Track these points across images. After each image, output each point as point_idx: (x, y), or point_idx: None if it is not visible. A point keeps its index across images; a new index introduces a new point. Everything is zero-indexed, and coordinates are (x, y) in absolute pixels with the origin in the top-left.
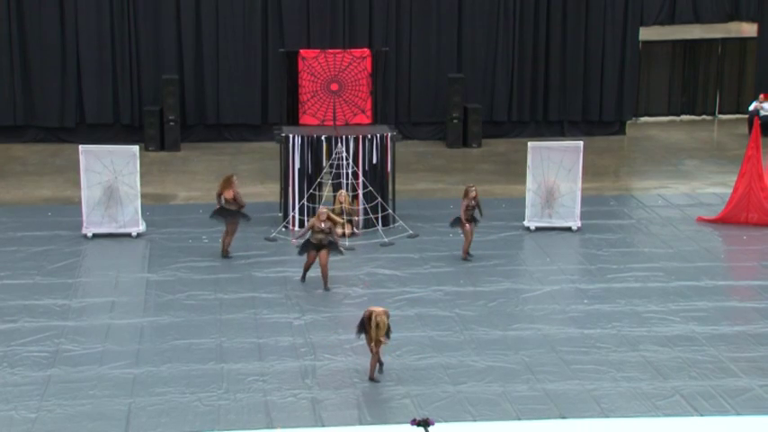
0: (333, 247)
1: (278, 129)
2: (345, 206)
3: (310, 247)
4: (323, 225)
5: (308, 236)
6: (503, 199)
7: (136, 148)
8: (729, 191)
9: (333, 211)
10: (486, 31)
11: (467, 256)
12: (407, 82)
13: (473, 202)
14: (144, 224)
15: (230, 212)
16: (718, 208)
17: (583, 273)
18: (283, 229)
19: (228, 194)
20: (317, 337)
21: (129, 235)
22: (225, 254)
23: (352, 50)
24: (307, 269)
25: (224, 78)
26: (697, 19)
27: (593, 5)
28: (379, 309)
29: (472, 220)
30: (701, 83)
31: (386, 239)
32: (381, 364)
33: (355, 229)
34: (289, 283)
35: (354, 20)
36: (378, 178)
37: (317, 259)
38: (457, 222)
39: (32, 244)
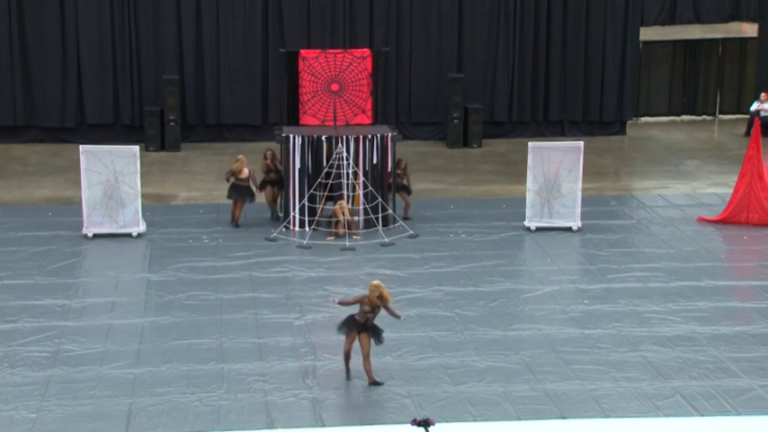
0: (250, 195)
1: (278, 129)
2: (347, 217)
3: (234, 195)
4: (244, 175)
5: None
6: (503, 199)
7: (136, 148)
8: (730, 191)
9: (331, 220)
10: (487, 31)
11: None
12: (408, 82)
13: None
14: (144, 224)
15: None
16: (719, 208)
17: (583, 273)
18: (284, 230)
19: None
20: (317, 337)
21: (129, 235)
22: (235, 222)
23: (353, 50)
24: (233, 215)
25: (224, 78)
26: (697, 19)
27: (594, 5)
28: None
29: (402, 188)
30: (701, 83)
31: (386, 239)
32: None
33: (356, 225)
34: (289, 283)
35: (355, 20)
36: (378, 178)
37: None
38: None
39: (33, 244)
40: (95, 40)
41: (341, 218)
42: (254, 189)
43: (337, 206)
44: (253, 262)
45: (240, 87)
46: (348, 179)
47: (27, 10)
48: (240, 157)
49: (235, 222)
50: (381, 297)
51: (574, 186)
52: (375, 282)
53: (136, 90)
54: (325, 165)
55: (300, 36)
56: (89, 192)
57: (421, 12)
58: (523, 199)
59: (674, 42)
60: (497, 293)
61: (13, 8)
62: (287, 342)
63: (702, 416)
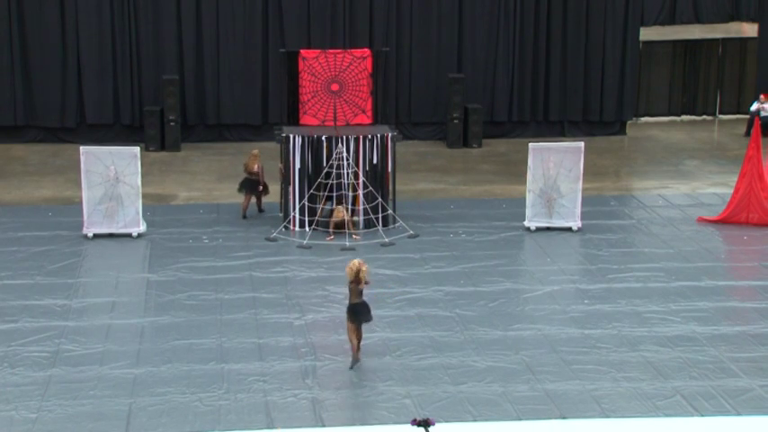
0: (257, 189)
1: (278, 129)
2: (347, 218)
3: (243, 188)
4: (254, 170)
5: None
6: (503, 199)
7: (137, 149)
8: (730, 191)
9: (329, 220)
10: (487, 31)
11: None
12: (408, 82)
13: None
14: (144, 224)
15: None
16: (719, 208)
17: (583, 273)
18: (284, 230)
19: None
20: (317, 337)
21: (129, 235)
22: (243, 213)
23: (353, 50)
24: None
25: (224, 78)
26: (697, 19)
27: (594, 5)
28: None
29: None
30: (701, 83)
31: (386, 240)
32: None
33: (355, 234)
34: (289, 283)
35: (355, 20)
36: (378, 178)
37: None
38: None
39: (33, 244)
40: (95, 40)
41: (338, 218)
42: (262, 184)
43: (336, 211)
44: (253, 262)
45: (240, 87)
46: (348, 179)
47: (27, 10)
48: (254, 152)
49: (243, 213)
50: (358, 275)
51: (574, 186)
52: (355, 261)
53: (136, 90)
54: (325, 165)
55: (300, 36)
56: (89, 192)
57: (421, 12)
58: (523, 199)
59: (674, 42)
60: (497, 293)
61: (13, 8)
62: (287, 342)
63: (702, 416)
